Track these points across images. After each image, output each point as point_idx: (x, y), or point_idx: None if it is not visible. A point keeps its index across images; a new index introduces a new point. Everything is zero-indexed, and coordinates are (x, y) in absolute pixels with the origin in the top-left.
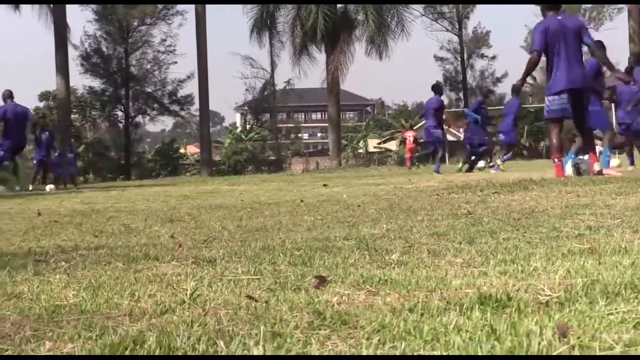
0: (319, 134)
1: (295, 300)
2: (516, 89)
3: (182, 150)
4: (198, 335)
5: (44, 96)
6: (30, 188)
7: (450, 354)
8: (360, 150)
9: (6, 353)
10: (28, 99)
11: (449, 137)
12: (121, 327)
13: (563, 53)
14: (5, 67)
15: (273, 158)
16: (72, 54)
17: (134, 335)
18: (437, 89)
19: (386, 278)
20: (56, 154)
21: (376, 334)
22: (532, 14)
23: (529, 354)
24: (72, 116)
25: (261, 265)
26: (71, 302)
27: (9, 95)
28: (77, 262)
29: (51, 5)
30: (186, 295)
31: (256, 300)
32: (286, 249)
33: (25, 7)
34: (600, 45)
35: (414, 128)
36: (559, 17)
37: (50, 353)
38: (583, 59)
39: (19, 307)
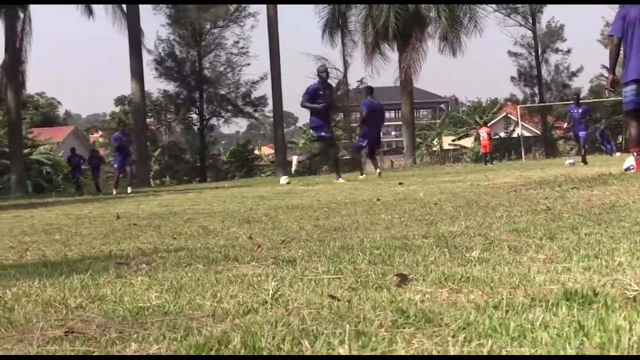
0: (393, 133)
1: (378, 299)
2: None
3: (256, 152)
4: (282, 335)
5: (119, 101)
6: (114, 192)
7: (538, 351)
8: (434, 148)
9: (93, 354)
10: (105, 104)
11: (525, 133)
12: (205, 327)
13: (635, 42)
14: (82, 73)
15: (348, 157)
16: (146, 59)
17: (218, 336)
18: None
19: (468, 275)
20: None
21: (462, 332)
22: (607, 6)
23: (619, 350)
24: (147, 120)
25: (341, 265)
26: (154, 304)
27: None
28: (158, 264)
29: (123, 5)
30: (268, 295)
31: (338, 300)
32: (365, 248)
33: (98, 13)
34: None
35: (489, 124)
36: None
37: (137, 354)
38: None
39: (103, 309)
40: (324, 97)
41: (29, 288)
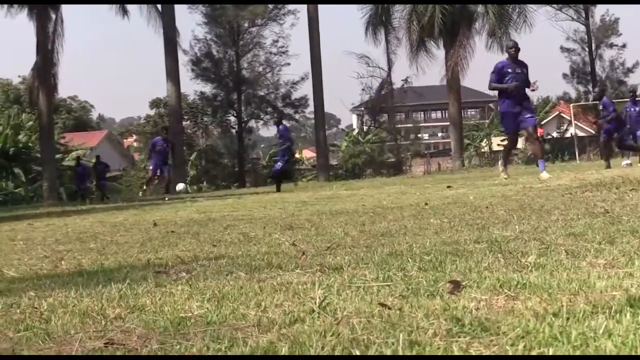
0: (439, 134)
1: (431, 307)
2: None
3: (297, 155)
4: (332, 345)
5: (154, 103)
6: (144, 189)
7: None
8: (483, 150)
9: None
10: (140, 107)
11: (579, 133)
12: (250, 338)
13: None
14: (116, 76)
15: (392, 160)
16: (182, 59)
17: (265, 347)
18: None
19: (524, 281)
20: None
21: (521, 341)
22: None
23: None
24: (184, 123)
25: (390, 272)
26: (196, 314)
27: None
28: (198, 272)
29: (158, 5)
30: (315, 304)
31: (389, 308)
32: (415, 254)
33: (133, 12)
34: None
35: (541, 124)
36: None
37: None
38: None
39: (143, 319)
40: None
41: (66, 298)
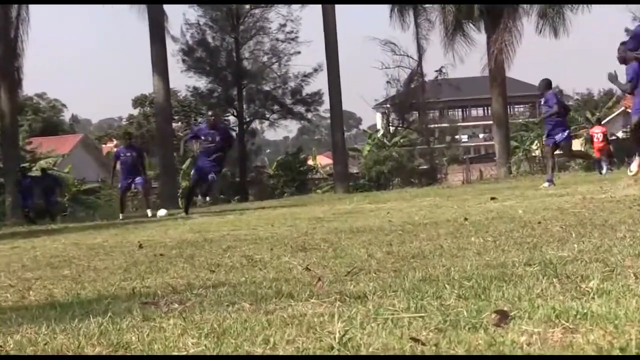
0: (481, 135)
1: (473, 342)
2: None
3: (310, 162)
4: None
5: (138, 101)
6: (120, 217)
7: None
8: (534, 154)
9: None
10: (121, 106)
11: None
12: None
13: None
14: (92, 70)
15: (425, 167)
16: (172, 48)
17: None
18: None
19: (585, 311)
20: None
21: None
22: None
23: None
24: (174, 124)
25: (423, 300)
26: (192, 352)
27: None
28: (194, 303)
29: None
30: (334, 339)
31: (423, 344)
32: (453, 279)
33: None
34: None
35: (603, 123)
36: None
37: None
38: None
39: None
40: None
41: (36, 335)
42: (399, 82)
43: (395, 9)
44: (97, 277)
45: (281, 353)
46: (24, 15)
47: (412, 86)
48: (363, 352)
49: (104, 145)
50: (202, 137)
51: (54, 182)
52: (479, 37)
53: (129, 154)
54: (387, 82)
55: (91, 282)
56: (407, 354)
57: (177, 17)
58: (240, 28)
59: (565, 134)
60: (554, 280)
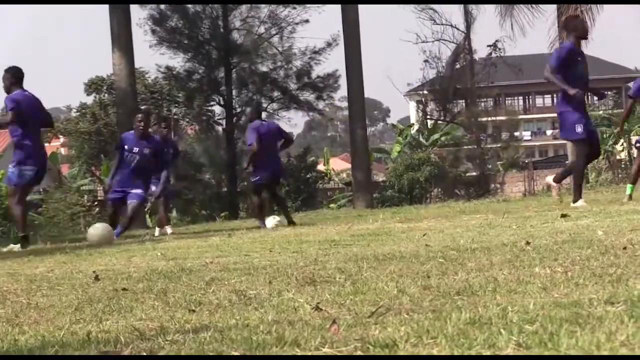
0: (549, 131)
1: None
2: None
3: (321, 167)
4: None
5: (93, 86)
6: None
7: None
8: (619, 156)
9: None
10: (70, 93)
11: None
12: None
13: None
14: (31, 43)
15: (474, 174)
16: (138, 16)
17: None
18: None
19: None
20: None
21: None
22: None
23: None
24: (140, 116)
25: (472, 350)
26: None
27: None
28: (168, 352)
29: None
30: None
31: None
32: (511, 322)
33: None
34: None
35: None
36: None
37: None
38: None
39: None
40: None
41: None
42: (439, 60)
43: None
44: (40, 317)
45: None
46: None
47: (458, 67)
48: None
49: (47, 145)
50: (126, 149)
51: None
52: (546, 5)
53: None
54: (425, 60)
55: (32, 325)
56: None
57: None
58: None
59: None
60: None
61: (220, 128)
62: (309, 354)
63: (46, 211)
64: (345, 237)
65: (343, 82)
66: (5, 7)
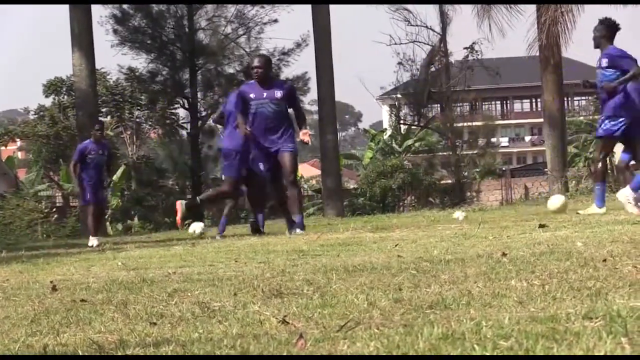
0: (527, 137)
1: None
2: None
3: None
4: None
5: (52, 87)
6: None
7: None
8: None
9: None
10: (28, 94)
11: None
12: None
13: None
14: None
15: (449, 181)
16: (99, 15)
17: None
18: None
19: None
20: None
21: None
22: None
23: None
24: (102, 119)
25: None
26: None
27: None
28: None
29: None
30: None
31: None
32: (484, 338)
33: None
34: None
35: None
36: None
37: None
38: None
39: None
40: None
41: None
42: (414, 63)
43: None
44: None
45: None
46: None
47: (433, 69)
48: None
49: (3, 149)
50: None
51: None
52: (525, 6)
53: (100, 151)
54: (399, 63)
55: None
56: None
57: None
58: None
59: None
60: (622, 339)
61: (184, 132)
62: None
63: (2, 218)
64: (314, 247)
65: (313, 84)
66: None
